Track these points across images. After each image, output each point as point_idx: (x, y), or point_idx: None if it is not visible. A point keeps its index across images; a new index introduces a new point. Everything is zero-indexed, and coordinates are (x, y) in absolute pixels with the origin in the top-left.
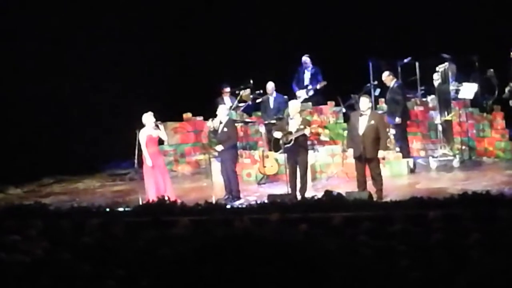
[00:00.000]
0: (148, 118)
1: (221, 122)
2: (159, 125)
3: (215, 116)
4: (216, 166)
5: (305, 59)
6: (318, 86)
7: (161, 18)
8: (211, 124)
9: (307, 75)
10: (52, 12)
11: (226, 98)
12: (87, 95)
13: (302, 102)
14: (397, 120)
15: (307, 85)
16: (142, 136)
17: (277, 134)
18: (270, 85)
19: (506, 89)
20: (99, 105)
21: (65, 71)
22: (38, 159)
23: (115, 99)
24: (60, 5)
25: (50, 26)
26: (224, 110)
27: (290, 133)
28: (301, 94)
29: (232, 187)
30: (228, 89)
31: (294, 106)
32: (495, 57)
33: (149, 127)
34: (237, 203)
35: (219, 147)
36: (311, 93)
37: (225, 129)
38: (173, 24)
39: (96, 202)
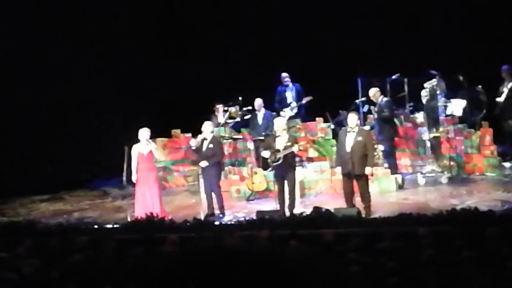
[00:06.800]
0: (141, 133)
1: (205, 139)
2: (151, 142)
3: (200, 132)
4: None
5: (285, 75)
6: (304, 101)
7: (150, 34)
8: (193, 142)
9: (289, 94)
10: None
11: (219, 115)
12: (75, 111)
13: (288, 119)
14: (386, 136)
15: (290, 103)
16: (134, 151)
17: (265, 153)
18: (258, 102)
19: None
20: (87, 121)
21: (52, 87)
22: (26, 177)
23: (104, 115)
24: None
25: (36, 39)
26: (209, 127)
27: (278, 151)
28: (286, 111)
29: (218, 204)
30: (221, 106)
31: (279, 124)
32: (483, 74)
33: (142, 143)
34: (225, 220)
35: (204, 163)
36: (295, 110)
37: (211, 145)
38: (162, 40)
39: (85, 219)
